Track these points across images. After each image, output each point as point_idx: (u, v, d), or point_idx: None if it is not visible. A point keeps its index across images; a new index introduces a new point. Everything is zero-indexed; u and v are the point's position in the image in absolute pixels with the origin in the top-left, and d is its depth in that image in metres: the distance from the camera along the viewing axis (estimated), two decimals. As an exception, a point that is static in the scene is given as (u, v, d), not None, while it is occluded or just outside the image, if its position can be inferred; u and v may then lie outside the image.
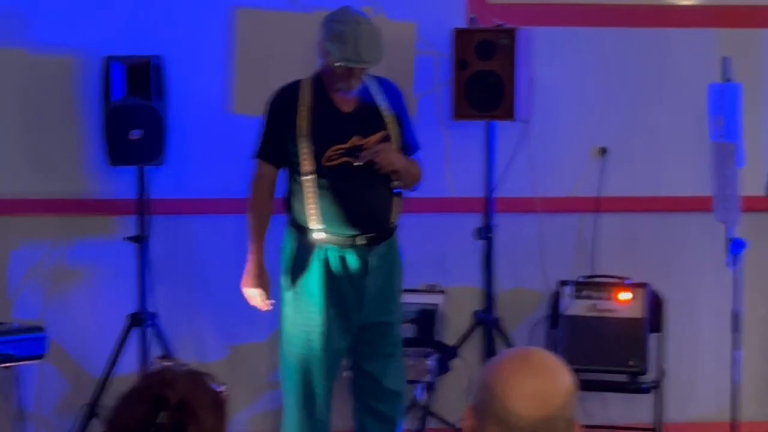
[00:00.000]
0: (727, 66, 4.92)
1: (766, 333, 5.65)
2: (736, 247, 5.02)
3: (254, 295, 4.75)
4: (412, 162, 4.81)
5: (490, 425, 2.37)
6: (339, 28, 4.60)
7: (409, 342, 5.18)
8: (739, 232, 5.02)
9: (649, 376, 5.54)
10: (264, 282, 4.73)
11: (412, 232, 5.33)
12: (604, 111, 5.80)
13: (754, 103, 5.58)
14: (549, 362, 2.41)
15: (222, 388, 2.30)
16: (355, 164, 4.64)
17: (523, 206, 5.74)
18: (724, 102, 5.01)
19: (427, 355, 5.27)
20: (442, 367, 5.36)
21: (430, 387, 5.30)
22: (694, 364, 5.84)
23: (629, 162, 5.79)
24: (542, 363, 2.40)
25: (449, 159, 5.72)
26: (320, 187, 4.64)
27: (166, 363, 2.23)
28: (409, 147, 4.83)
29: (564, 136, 5.78)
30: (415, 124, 5.02)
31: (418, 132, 4.96)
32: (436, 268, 5.73)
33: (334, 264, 4.66)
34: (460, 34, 5.40)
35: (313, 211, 4.64)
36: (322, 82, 4.73)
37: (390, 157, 4.67)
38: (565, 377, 2.40)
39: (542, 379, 2.37)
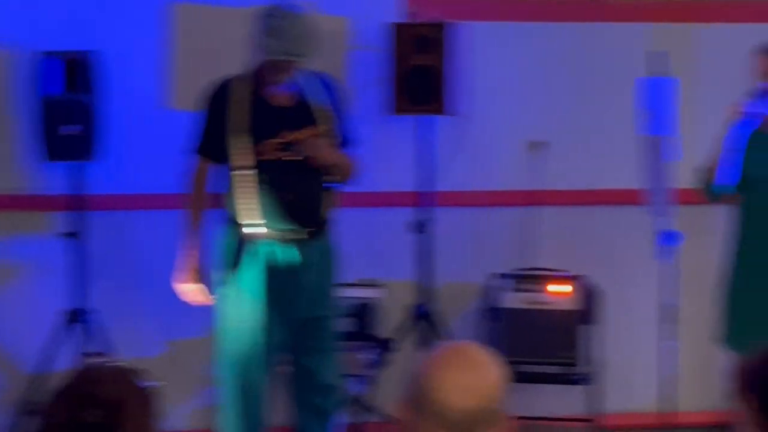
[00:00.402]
0: (660, 60, 4.95)
1: (702, 324, 5.65)
2: (668, 239, 5.04)
3: (188, 291, 4.72)
4: (347, 157, 4.81)
5: (422, 418, 2.38)
6: (273, 22, 4.60)
7: (346, 336, 5.18)
8: (674, 225, 5.02)
9: (583, 368, 5.57)
10: (200, 277, 4.71)
11: (349, 227, 5.33)
12: (541, 105, 5.84)
13: (686, 97, 5.59)
14: (480, 356, 2.43)
15: (152, 385, 2.29)
16: (289, 159, 4.62)
17: (461, 200, 5.77)
18: (656, 96, 5.03)
19: (364, 349, 5.25)
20: (380, 361, 5.35)
21: (367, 381, 5.28)
22: (630, 356, 5.88)
23: (565, 155, 5.82)
24: (473, 356, 2.43)
25: (385, 153, 5.73)
26: (254, 181, 4.62)
27: (94, 361, 2.21)
28: (345, 142, 4.83)
29: (501, 130, 5.81)
30: (353, 118, 4.98)
31: (354, 127, 4.92)
32: (374, 262, 5.73)
33: (269, 259, 4.64)
34: (396, 29, 5.43)
35: (247, 206, 4.63)
36: (257, 77, 4.71)
37: (323, 151, 4.67)
38: (496, 370, 2.43)
39: (474, 372, 2.39)
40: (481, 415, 2.37)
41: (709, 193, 4.79)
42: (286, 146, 4.63)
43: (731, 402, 2.60)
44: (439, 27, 5.43)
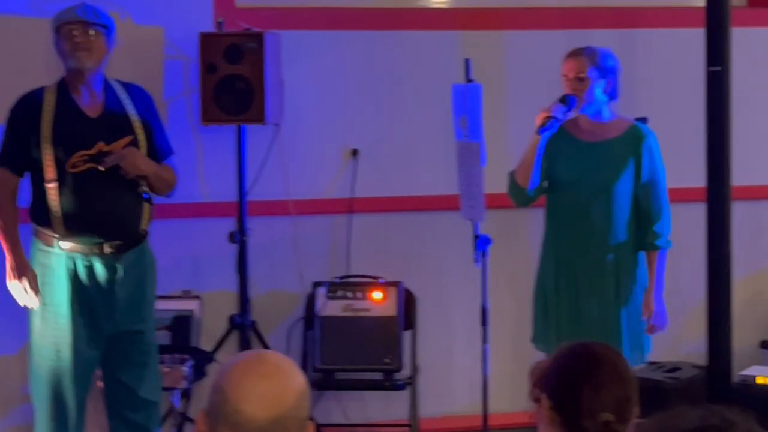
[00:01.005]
0: (468, 67, 4.99)
1: (514, 326, 5.77)
2: (482, 244, 5.10)
3: (23, 287, 4.58)
4: (163, 167, 4.76)
5: (222, 428, 2.35)
6: (60, 15, 4.62)
7: (163, 349, 5.12)
8: (484, 229, 5.09)
9: (405, 373, 5.61)
10: (31, 273, 4.59)
11: (166, 238, 5.35)
12: (355, 113, 5.86)
13: (496, 103, 5.76)
14: (280, 364, 2.41)
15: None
16: (101, 170, 4.55)
17: (277, 209, 5.74)
18: (467, 102, 5.08)
19: (182, 362, 5.21)
20: (198, 373, 5.31)
21: (186, 394, 5.24)
22: (447, 360, 5.94)
23: (380, 163, 5.87)
24: (273, 365, 2.40)
25: (201, 164, 5.70)
26: (65, 194, 4.55)
27: None
28: (160, 152, 4.78)
29: (315, 138, 5.83)
30: (167, 129, 4.98)
31: (170, 137, 4.92)
32: (191, 274, 5.70)
33: (82, 273, 4.57)
34: (208, 39, 5.38)
35: (58, 219, 4.55)
36: (66, 88, 4.66)
37: (136, 161, 4.60)
38: (297, 378, 2.41)
39: (273, 381, 2.37)
40: (282, 424, 2.36)
41: (517, 196, 4.85)
42: (98, 157, 4.56)
43: (531, 402, 2.64)
44: (251, 36, 5.39)
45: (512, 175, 4.83)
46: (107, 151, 4.58)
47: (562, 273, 4.78)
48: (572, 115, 4.73)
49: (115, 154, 4.58)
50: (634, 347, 4.72)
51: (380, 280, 5.69)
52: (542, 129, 4.64)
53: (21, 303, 4.63)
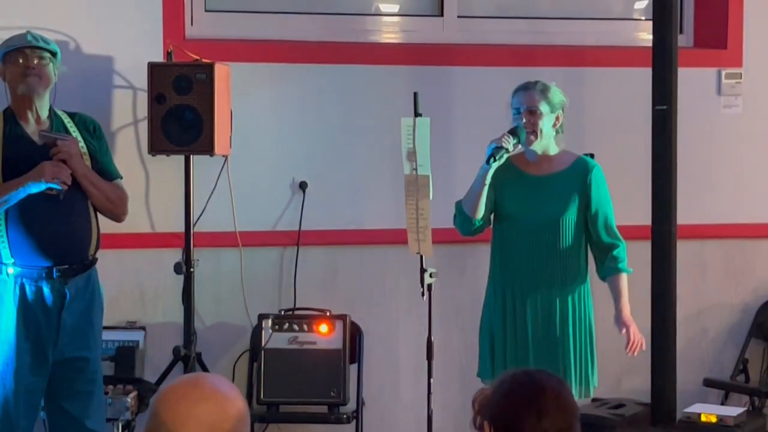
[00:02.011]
0: (416, 101, 4.96)
1: (460, 360, 5.75)
2: (426, 277, 5.00)
3: (51, 168, 4.53)
4: (106, 182, 4.73)
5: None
6: (9, 41, 4.64)
7: (107, 380, 5.07)
8: (431, 263, 5.01)
9: (350, 407, 5.58)
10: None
11: (113, 268, 5.36)
12: (303, 145, 5.86)
13: (444, 137, 5.77)
14: (218, 387, 2.40)
15: None
16: (48, 194, 4.53)
17: (225, 241, 5.72)
18: (416, 136, 5.06)
19: (126, 393, 5.14)
20: (142, 404, 5.23)
21: (128, 425, 5.16)
22: (393, 394, 5.93)
23: (328, 195, 5.87)
24: (210, 388, 2.39)
25: (149, 194, 5.68)
26: (12, 217, 4.53)
27: None
28: (107, 176, 4.77)
29: (264, 170, 5.81)
30: (115, 158, 4.97)
31: (118, 167, 4.91)
32: (136, 305, 5.66)
33: (29, 297, 4.53)
34: (157, 69, 5.34)
35: (5, 243, 4.51)
36: (13, 114, 4.66)
37: (72, 149, 4.56)
38: (236, 402, 2.39)
39: (210, 404, 2.35)
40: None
41: (463, 226, 4.85)
42: (44, 137, 4.57)
43: (474, 429, 2.62)
44: (201, 67, 5.37)
45: (459, 205, 4.83)
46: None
47: (509, 306, 4.79)
48: (521, 148, 4.75)
49: (60, 136, 4.58)
50: (580, 381, 4.73)
51: (327, 313, 5.67)
52: (491, 159, 4.65)
53: (61, 177, 4.53)
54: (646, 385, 5.56)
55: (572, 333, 4.73)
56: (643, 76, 5.55)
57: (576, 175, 4.77)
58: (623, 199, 5.28)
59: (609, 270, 4.77)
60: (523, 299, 4.75)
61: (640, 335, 4.77)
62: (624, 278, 4.77)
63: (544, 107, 4.72)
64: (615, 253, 4.76)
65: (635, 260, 5.44)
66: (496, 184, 4.77)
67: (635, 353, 4.77)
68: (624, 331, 4.72)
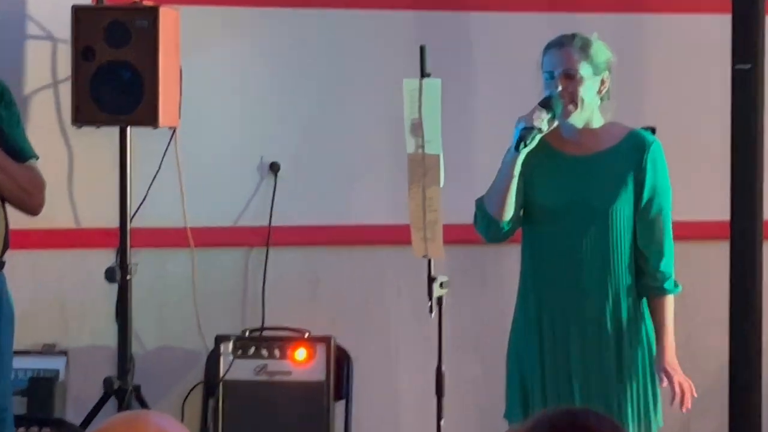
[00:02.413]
0: (424, 57, 4.94)
1: (479, 397, 5.85)
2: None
3: None
4: (24, 167, 4.68)
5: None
6: None
7: (18, 420, 5.02)
8: (442, 269, 5.00)
9: (335, 454, 5.53)
10: None
11: (25, 275, 5.40)
12: (275, 116, 5.86)
13: (459, 104, 5.76)
14: (163, 428, 2.35)
15: None
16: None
17: (172, 239, 5.73)
18: (422, 103, 5.02)
19: (41, 436, 5.13)
20: (62, 451, 5.23)
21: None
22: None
23: (307, 181, 5.88)
24: (154, 429, 2.34)
25: (73, 178, 5.69)
26: None
27: None
28: (16, 155, 4.70)
29: (223, 148, 5.82)
30: (28, 132, 4.91)
31: (33, 144, 4.84)
32: (56, 323, 5.66)
33: None
34: (84, 14, 5.33)
35: None
36: None
37: None
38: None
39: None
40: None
41: (488, 230, 4.78)
42: None
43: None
44: (141, 12, 5.36)
45: (481, 204, 4.76)
46: None
47: (546, 326, 4.73)
48: (557, 123, 4.67)
49: None
50: (639, 422, 4.70)
51: (305, 335, 5.65)
52: (520, 144, 4.58)
53: None
54: (722, 430, 5.59)
55: (629, 361, 4.70)
56: (721, 25, 5.58)
57: (629, 154, 4.72)
58: (692, 187, 5.41)
59: (651, 289, 4.73)
60: (565, 318, 4.71)
61: (687, 383, 4.72)
62: (670, 303, 4.73)
63: (585, 69, 4.65)
64: (663, 266, 4.72)
65: (709, 266, 5.77)
66: (525, 170, 4.71)
67: (684, 409, 4.71)
68: (665, 383, 4.69)
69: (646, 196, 4.71)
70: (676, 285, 4.73)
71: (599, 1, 6.00)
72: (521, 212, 4.78)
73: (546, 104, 4.61)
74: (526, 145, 4.58)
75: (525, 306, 4.79)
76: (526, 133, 4.57)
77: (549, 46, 4.70)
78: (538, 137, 4.60)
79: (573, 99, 4.64)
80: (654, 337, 4.75)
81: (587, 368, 4.69)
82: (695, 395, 4.73)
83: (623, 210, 4.70)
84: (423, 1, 5.98)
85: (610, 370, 4.69)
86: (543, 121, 4.59)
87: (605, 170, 4.72)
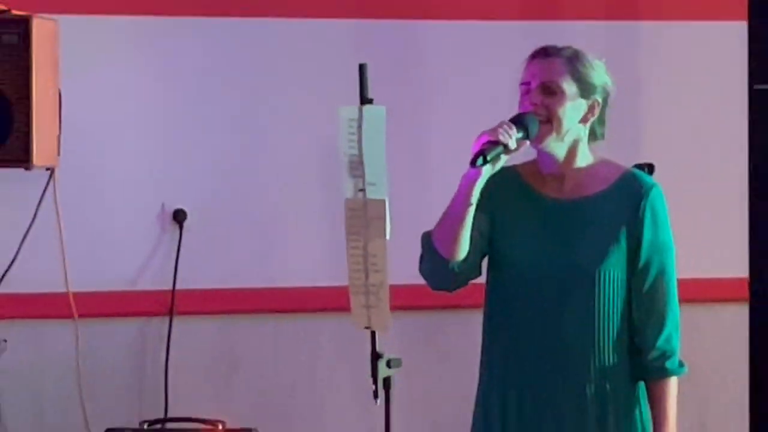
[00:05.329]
0: (364, 77, 4.54)
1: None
2: (381, 365, 4.62)
3: None
4: None
5: None
6: None
7: None
8: (389, 343, 4.56)
9: None
10: None
11: None
12: (181, 153, 5.76)
13: (408, 134, 5.64)
14: None
15: None
16: None
17: (51, 308, 5.58)
18: (363, 135, 4.60)
19: None
20: None
21: None
22: None
23: (221, 233, 5.78)
24: None
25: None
26: None
27: None
28: None
29: (115, 191, 5.70)
30: None
31: None
32: None
33: None
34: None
35: None
36: None
37: None
38: None
39: None
40: None
41: (435, 272, 4.41)
42: None
43: None
44: (11, 23, 5.23)
45: (428, 238, 4.43)
46: None
47: (513, 414, 4.42)
48: (529, 146, 4.31)
49: None
50: None
51: (219, 427, 5.52)
52: (478, 160, 4.22)
53: None
54: None
55: None
56: (736, 35, 5.62)
57: (621, 202, 4.41)
58: (702, 236, 5.42)
59: (649, 370, 4.44)
60: (536, 401, 4.40)
61: None
62: (673, 386, 4.43)
63: (568, 85, 4.32)
64: (662, 342, 4.42)
65: (723, 331, 5.78)
66: (494, 211, 4.41)
67: None
68: None
69: (643, 255, 4.39)
70: (681, 365, 4.41)
71: (588, 6, 6.01)
72: (482, 259, 4.40)
73: (517, 120, 4.24)
74: (486, 161, 4.19)
75: (488, 386, 4.44)
76: (488, 147, 4.19)
77: (532, 56, 4.35)
78: (503, 157, 4.22)
79: (550, 118, 4.29)
80: (650, 427, 4.41)
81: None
82: None
83: (614, 272, 4.38)
84: (364, 8, 5.96)
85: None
86: (511, 138, 4.18)
87: (593, 221, 4.41)
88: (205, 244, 5.76)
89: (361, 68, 4.56)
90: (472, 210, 4.35)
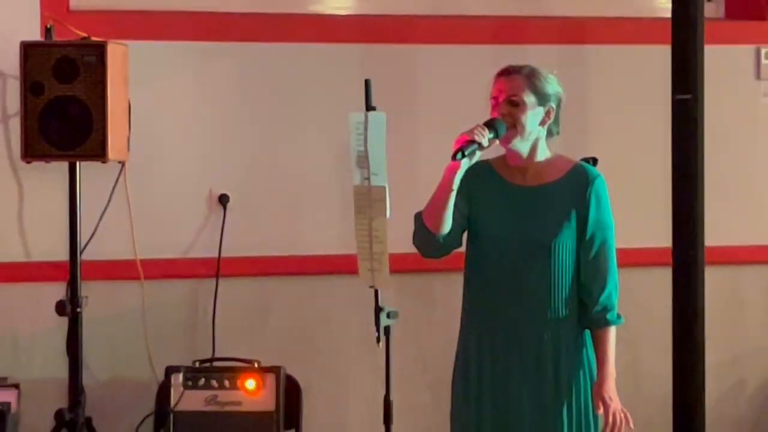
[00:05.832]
0: (369, 91, 4.87)
1: (427, 424, 5.84)
2: (382, 317, 4.96)
3: None
4: None
5: None
6: None
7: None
8: (390, 299, 4.98)
9: (287, 485, 5.48)
10: None
11: None
12: (224, 149, 5.91)
13: (405, 136, 5.86)
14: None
15: None
16: None
17: (121, 272, 5.75)
18: (368, 136, 4.89)
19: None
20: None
21: None
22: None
23: (256, 213, 5.91)
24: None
25: (23, 212, 5.72)
26: None
27: None
28: None
29: (172, 180, 5.86)
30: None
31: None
32: (8, 356, 5.68)
33: None
34: (33, 50, 5.36)
35: None
36: None
37: None
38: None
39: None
40: None
41: (424, 244, 4.75)
42: None
43: None
44: (89, 47, 5.38)
45: (419, 217, 4.77)
46: None
47: (486, 351, 4.75)
48: (498, 144, 4.68)
49: None
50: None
51: (255, 365, 5.67)
52: (458, 155, 4.58)
53: None
54: (667, 453, 5.48)
55: (567, 388, 4.71)
56: (661, 55, 5.59)
57: (572, 188, 4.72)
58: (636, 215, 5.45)
59: (593, 321, 4.74)
60: (505, 342, 4.73)
61: (622, 413, 4.69)
62: (612, 334, 4.72)
63: (528, 97, 4.67)
64: (603, 298, 4.73)
65: (652, 292, 5.84)
66: (471, 195, 4.74)
67: None
68: (601, 410, 4.68)
69: (589, 230, 4.70)
70: (618, 317, 4.71)
71: (543, 33, 5.99)
72: (462, 232, 4.77)
73: (489, 124, 4.63)
74: (464, 155, 4.55)
75: (468, 329, 4.78)
76: (466, 144, 4.55)
77: (498, 74, 4.71)
78: (478, 153, 4.59)
79: (515, 124, 4.65)
80: (595, 369, 4.71)
81: (525, 391, 4.68)
82: (632, 427, 4.69)
83: (566, 243, 4.69)
84: (369, 35, 5.95)
85: (549, 394, 4.66)
86: (484, 138, 4.57)
87: (549, 203, 4.71)
88: (243, 222, 5.86)
89: (367, 83, 4.85)
90: (453, 194, 4.60)
